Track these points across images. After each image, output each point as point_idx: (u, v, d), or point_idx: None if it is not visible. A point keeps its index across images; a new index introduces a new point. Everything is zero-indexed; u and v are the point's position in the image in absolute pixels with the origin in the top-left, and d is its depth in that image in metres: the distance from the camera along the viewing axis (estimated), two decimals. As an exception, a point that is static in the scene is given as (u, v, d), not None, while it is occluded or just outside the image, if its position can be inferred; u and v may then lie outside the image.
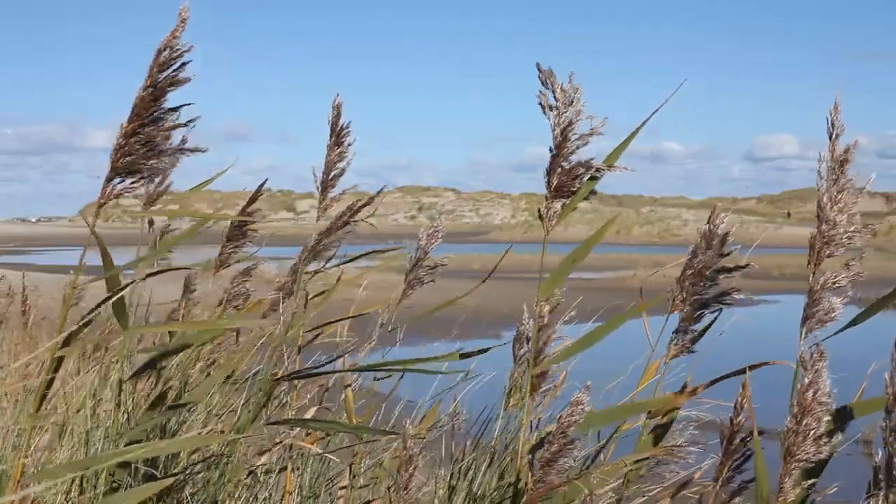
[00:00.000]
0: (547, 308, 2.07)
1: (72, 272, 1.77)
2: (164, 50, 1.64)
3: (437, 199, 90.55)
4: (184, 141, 1.89)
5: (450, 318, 2.90)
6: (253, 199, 2.83)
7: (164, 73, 1.64)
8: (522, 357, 2.72)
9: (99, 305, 1.70)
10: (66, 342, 1.64)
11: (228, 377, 2.58)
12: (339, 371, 2.54)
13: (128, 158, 1.66)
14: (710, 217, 2.15)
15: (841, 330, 1.82)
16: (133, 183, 1.69)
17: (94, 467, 2.06)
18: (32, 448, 2.45)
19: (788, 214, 72.72)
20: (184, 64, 1.64)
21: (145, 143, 1.65)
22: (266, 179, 2.83)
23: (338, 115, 2.54)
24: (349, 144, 2.57)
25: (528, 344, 2.70)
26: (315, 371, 2.45)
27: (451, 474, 2.60)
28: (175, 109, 1.67)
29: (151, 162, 1.67)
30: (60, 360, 1.69)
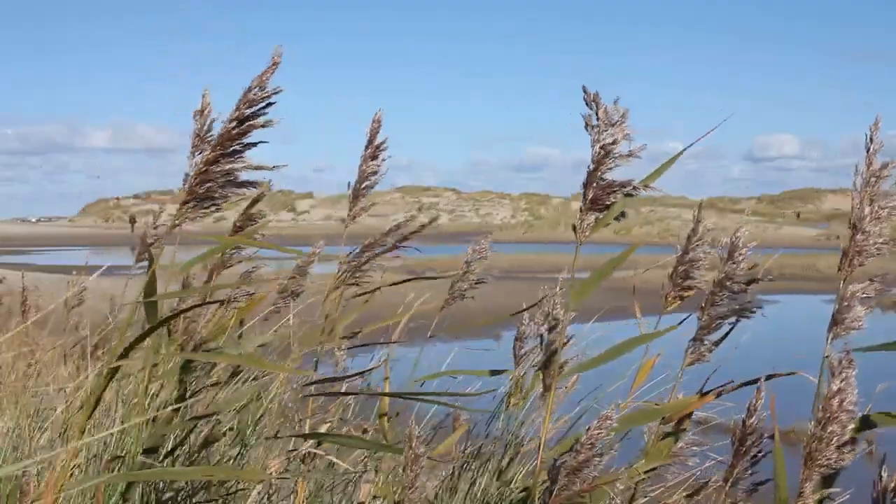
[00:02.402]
0: (562, 311, 2.08)
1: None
2: (255, 88, 1.68)
3: (437, 199, 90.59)
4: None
5: (449, 318, 2.90)
6: (255, 201, 2.83)
7: (251, 110, 1.69)
8: (522, 357, 2.72)
9: (158, 326, 1.71)
10: (125, 354, 1.65)
11: (235, 374, 2.58)
12: (364, 394, 2.55)
13: (206, 185, 1.72)
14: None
15: (878, 348, 1.81)
16: (205, 208, 1.75)
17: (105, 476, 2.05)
18: (32, 448, 2.45)
19: (798, 215, 73.27)
20: (270, 104, 1.69)
21: (225, 173, 1.72)
22: (269, 181, 2.83)
23: (377, 129, 2.63)
24: (384, 160, 2.66)
25: (527, 344, 2.70)
26: (341, 392, 2.46)
27: (452, 475, 2.60)
28: (254, 144, 1.73)
29: (226, 190, 1.74)
30: (116, 371, 1.70)
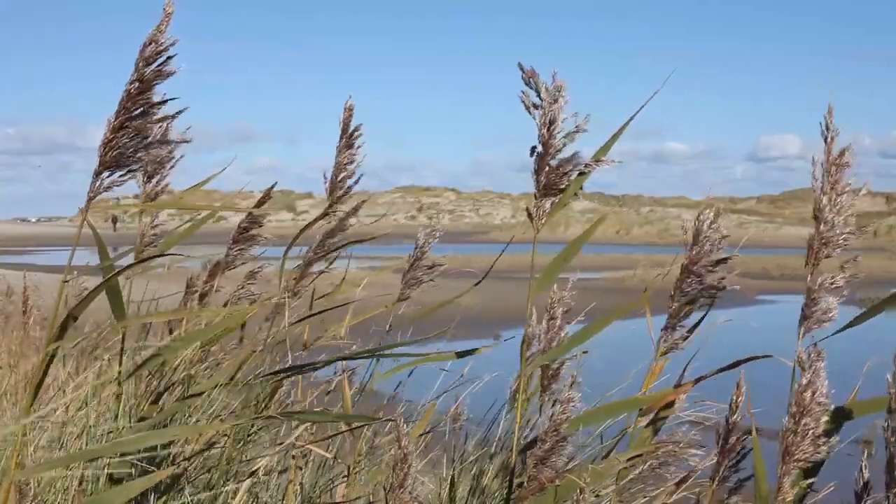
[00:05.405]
0: (560, 310, 2.08)
1: (65, 273, 1.78)
2: (150, 44, 1.64)
3: (437, 199, 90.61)
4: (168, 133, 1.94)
5: (448, 317, 2.89)
6: (262, 202, 2.82)
7: (150, 67, 1.65)
8: (530, 358, 2.71)
9: (85, 303, 1.70)
10: (60, 334, 1.64)
11: (233, 378, 2.58)
12: (328, 360, 2.53)
13: (116, 152, 1.66)
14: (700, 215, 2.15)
15: (841, 330, 1.82)
16: (122, 176, 1.70)
17: (91, 462, 2.06)
18: (32, 448, 2.44)
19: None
20: (169, 57, 1.65)
21: (133, 136, 1.66)
22: (275, 183, 2.85)
23: (349, 118, 2.55)
24: (359, 147, 2.57)
25: (536, 345, 2.69)
26: (306, 365, 2.45)
27: (452, 475, 2.59)
28: (162, 103, 1.68)
29: (139, 154, 1.68)
30: (54, 353, 1.69)
